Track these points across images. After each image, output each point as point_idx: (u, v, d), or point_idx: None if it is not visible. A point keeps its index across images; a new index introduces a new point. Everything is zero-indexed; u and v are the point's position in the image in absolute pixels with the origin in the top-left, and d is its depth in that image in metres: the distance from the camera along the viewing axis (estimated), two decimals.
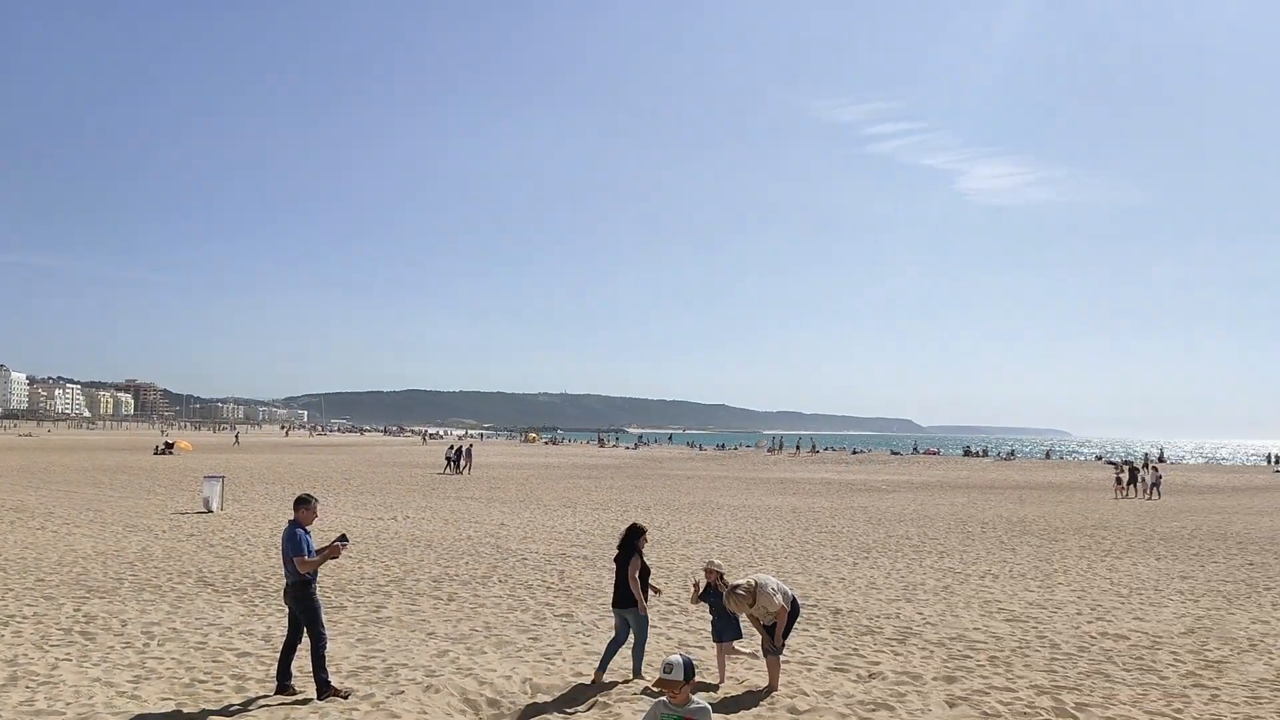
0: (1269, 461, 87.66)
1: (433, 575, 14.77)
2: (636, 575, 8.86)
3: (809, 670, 9.24)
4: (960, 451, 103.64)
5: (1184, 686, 8.85)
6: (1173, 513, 29.80)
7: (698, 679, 8.70)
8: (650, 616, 9.97)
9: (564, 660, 9.50)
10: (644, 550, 9.08)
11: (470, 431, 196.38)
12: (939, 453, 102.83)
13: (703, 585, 8.95)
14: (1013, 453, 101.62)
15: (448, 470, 46.54)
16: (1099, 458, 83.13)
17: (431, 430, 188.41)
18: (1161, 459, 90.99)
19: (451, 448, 50.59)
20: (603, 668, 8.76)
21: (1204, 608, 13.06)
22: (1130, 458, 67.19)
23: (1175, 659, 9.98)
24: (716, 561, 9.20)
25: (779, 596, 8.43)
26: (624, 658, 8.98)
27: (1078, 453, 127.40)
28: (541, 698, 8.18)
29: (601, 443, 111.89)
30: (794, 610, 8.58)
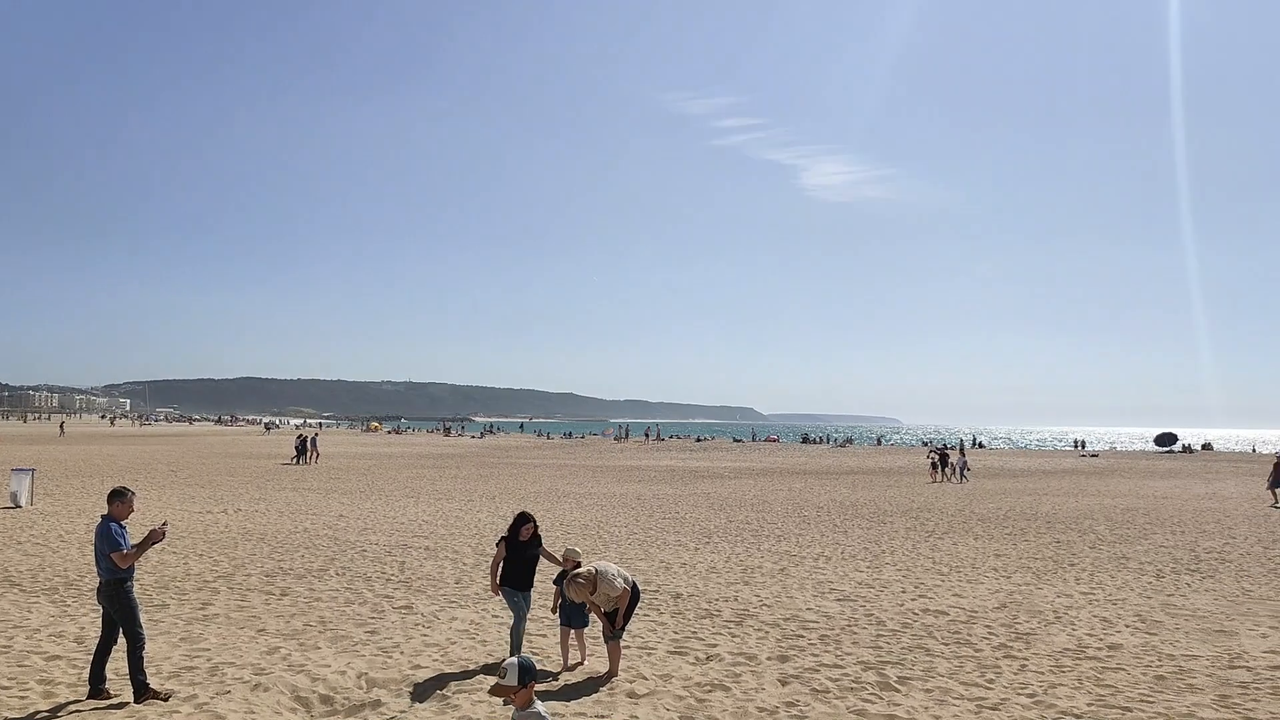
0: (1075, 447, 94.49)
1: (265, 570, 14.21)
2: (498, 562, 9.12)
3: (649, 654, 9.38)
4: (799, 439, 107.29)
5: (996, 658, 9.44)
6: (989, 495, 31.70)
7: (540, 666, 8.74)
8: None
9: (402, 653, 9.32)
10: (530, 540, 9.12)
11: (308, 421, 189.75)
12: (779, 440, 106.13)
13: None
14: (849, 440, 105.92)
15: (296, 461, 45.08)
16: (925, 444, 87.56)
17: (266, 420, 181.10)
18: (977, 445, 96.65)
19: (300, 438, 48.84)
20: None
21: (1015, 583, 13.96)
22: (943, 444, 71.12)
23: (989, 632, 10.62)
24: (575, 550, 9.26)
25: (619, 581, 8.52)
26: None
27: (906, 440, 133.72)
28: (378, 692, 8.00)
29: (447, 432, 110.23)
30: (635, 596, 8.70)
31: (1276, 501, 28.65)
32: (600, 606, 8.53)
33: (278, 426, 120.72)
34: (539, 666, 8.77)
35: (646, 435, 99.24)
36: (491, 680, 8.05)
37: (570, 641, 8.94)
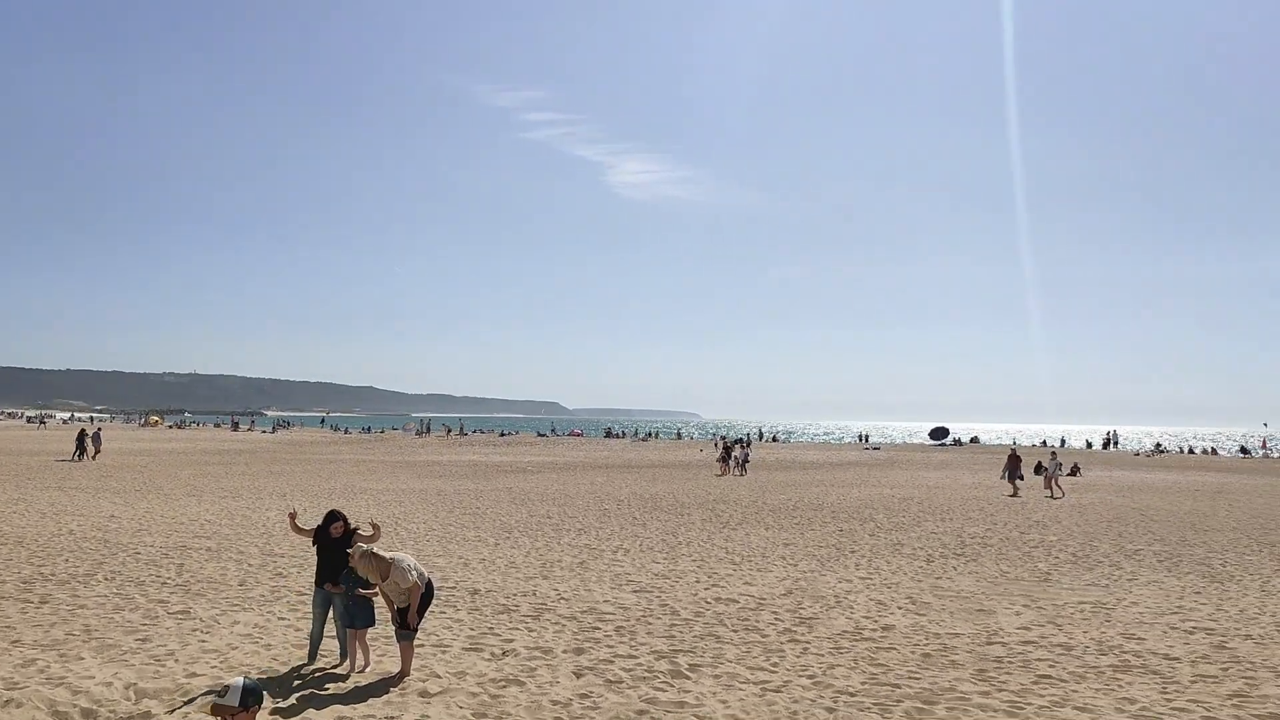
0: (859, 440, 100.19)
1: (22, 576, 13.04)
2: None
3: (443, 652, 9.24)
4: (602, 433, 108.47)
5: (781, 642, 9.88)
6: (780, 487, 33.13)
7: (329, 669, 8.44)
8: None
9: (177, 661, 8.77)
10: (341, 538, 8.80)
11: (77, 415, 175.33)
12: (583, 434, 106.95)
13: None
14: (651, 434, 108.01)
15: (75, 458, 41.70)
16: (723, 437, 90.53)
17: (32, 413, 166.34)
18: (773, 439, 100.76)
19: (81, 432, 45.09)
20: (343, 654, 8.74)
21: (801, 571, 14.65)
22: (725, 436, 73.80)
23: (776, 618, 11.10)
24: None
25: (413, 574, 8.34)
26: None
27: (704, 433, 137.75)
28: (148, 703, 7.49)
29: (235, 426, 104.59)
30: (428, 592, 8.53)
31: (1015, 491, 31.13)
32: (390, 598, 8.31)
33: (42, 424, 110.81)
34: (325, 668, 8.48)
35: (448, 430, 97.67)
36: (215, 696, 7.73)
37: (355, 643, 8.67)
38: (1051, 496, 30.31)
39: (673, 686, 8.19)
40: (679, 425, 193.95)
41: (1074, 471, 45.94)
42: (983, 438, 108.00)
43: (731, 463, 41.50)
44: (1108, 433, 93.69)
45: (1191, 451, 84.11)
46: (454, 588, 12.69)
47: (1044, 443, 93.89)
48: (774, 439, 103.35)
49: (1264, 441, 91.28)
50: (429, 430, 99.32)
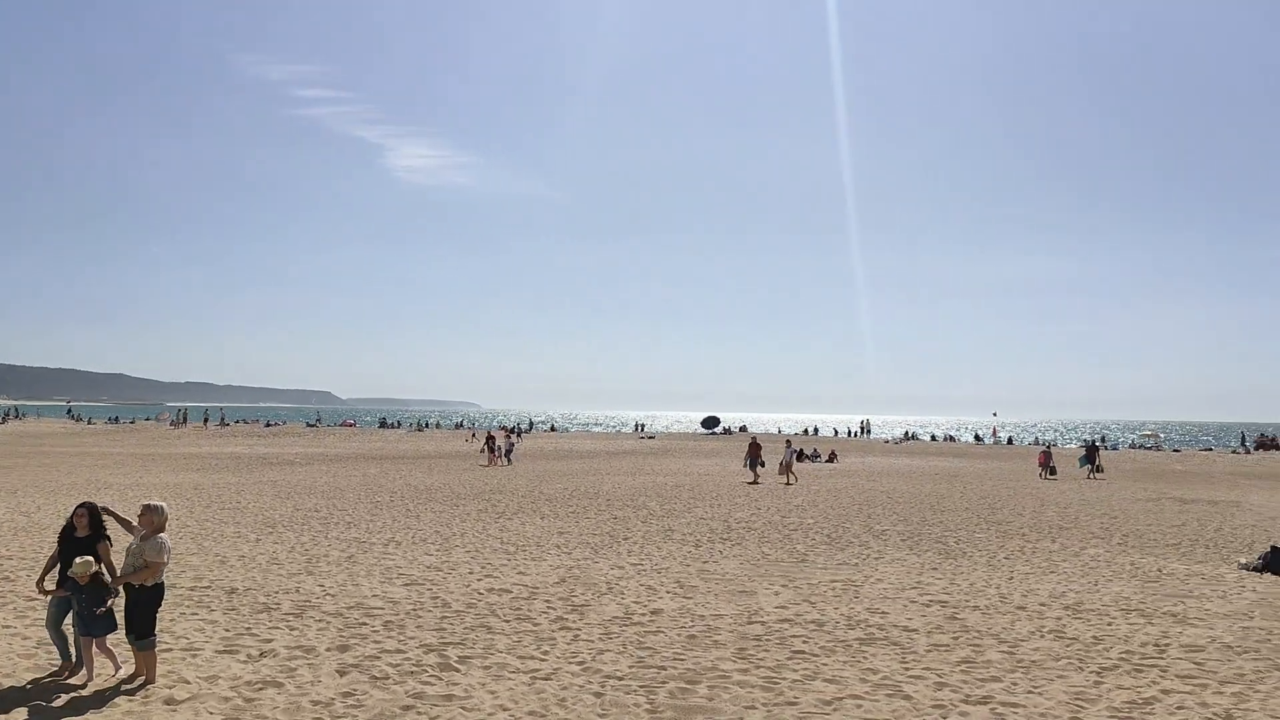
0: (635, 429, 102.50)
1: None
2: (52, 560, 8.15)
3: (194, 656, 8.68)
4: (377, 423, 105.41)
5: (553, 630, 9.95)
6: (558, 476, 33.37)
7: (63, 680, 7.73)
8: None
9: None
10: (89, 535, 7.99)
11: None
12: (355, 425, 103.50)
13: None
14: (428, 424, 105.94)
15: None
16: (503, 428, 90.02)
17: None
18: (550, 428, 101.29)
19: None
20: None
21: (575, 559, 14.81)
22: (488, 427, 73.51)
23: (548, 606, 11.17)
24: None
25: (167, 556, 7.83)
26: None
27: (484, 423, 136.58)
28: None
29: None
30: (157, 591, 7.92)
31: (755, 479, 31.99)
32: (118, 572, 7.83)
33: None
34: (60, 679, 7.79)
35: (207, 420, 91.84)
36: None
37: (95, 651, 7.96)
38: (787, 483, 31.24)
39: (441, 680, 8.07)
40: (459, 415, 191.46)
41: (831, 458, 48.95)
42: (752, 426, 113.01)
43: (497, 452, 41.07)
44: (861, 421, 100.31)
45: (934, 439, 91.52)
46: (208, 587, 11.97)
47: (806, 430, 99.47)
48: (551, 428, 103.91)
49: (994, 430, 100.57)
50: (186, 420, 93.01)
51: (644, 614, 10.83)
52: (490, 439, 43.17)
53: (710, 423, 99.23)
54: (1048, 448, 46.68)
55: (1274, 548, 14.97)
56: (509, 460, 40.70)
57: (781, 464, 32.88)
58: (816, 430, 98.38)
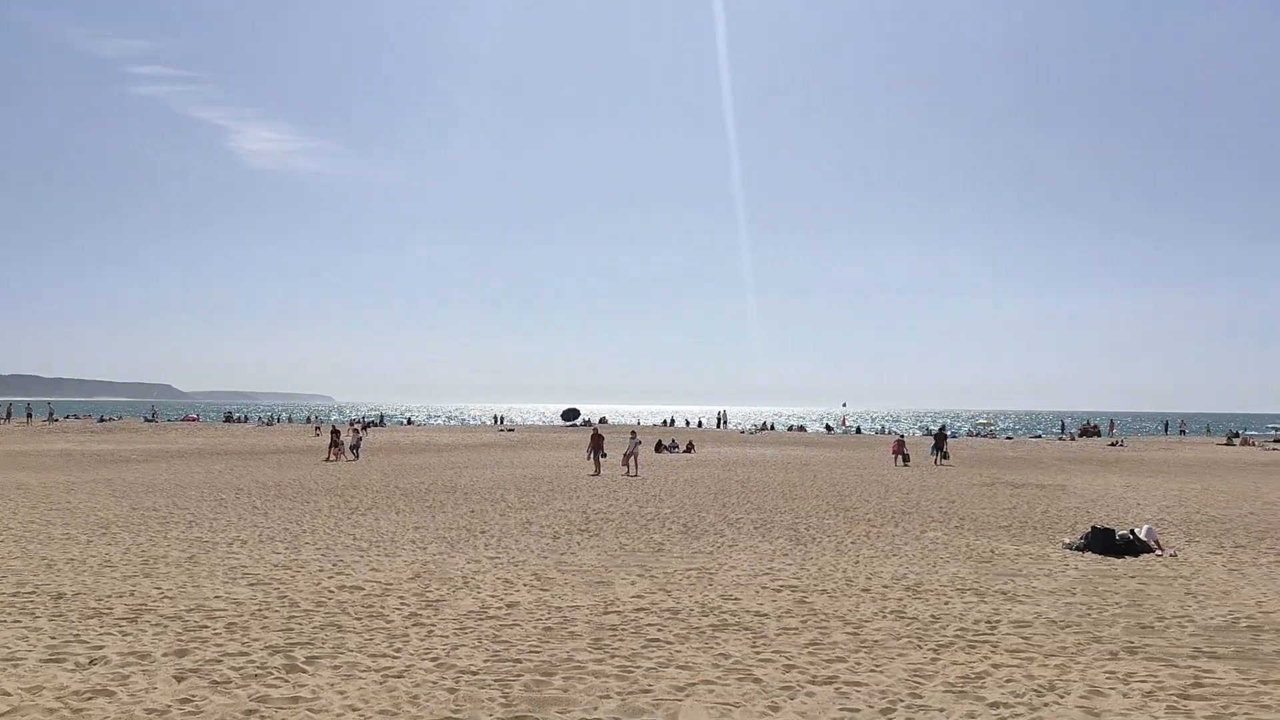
0: (495, 422, 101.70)
1: None
2: None
3: (15, 666, 8.12)
4: (222, 418, 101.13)
5: (406, 627, 9.77)
6: (415, 470, 32.78)
7: None
8: None
9: None
10: None
11: None
12: (199, 419, 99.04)
13: None
14: (278, 418, 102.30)
15: None
16: (352, 422, 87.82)
17: None
18: (407, 421, 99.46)
19: None
20: None
21: (431, 554, 14.59)
22: (338, 420, 71.68)
23: (402, 602, 10.96)
24: None
25: None
26: None
27: (342, 417, 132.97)
28: None
29: None
30: None
31: (597, 470, 31.52)
32: None
33: None
34: None
35: (30, 415, 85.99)
36: None
37: None
38: (628, 474, 31.02)
39: (288, 682, 7.81)
40: (311, 409, 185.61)
41: (689, 449, 49.77)
42: (612, 418, 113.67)
43: (341, 447, 39.53)
44: (719, 412, 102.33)
45: (790, 429, 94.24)
46: (32, 592, 11.22)
47: (665, 421, 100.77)
48: (408, 421, 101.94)
49: (844, 419, 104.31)
50: (9, 416, 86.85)
51: (500, 607, 10.76)
52: (334, 433, 41.60)
53: (570, 415, 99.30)
54: (902, 437, 48.78)
55: (1094, 528, 16.05)
56: (355, 455, 39.53)
57: (625, 455, 32.57)
58: (673, 421, 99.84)
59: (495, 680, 7.87)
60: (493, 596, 11.37)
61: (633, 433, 36.83)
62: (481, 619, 10.18)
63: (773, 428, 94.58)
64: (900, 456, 39.83)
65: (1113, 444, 65.56)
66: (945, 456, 41.16)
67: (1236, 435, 74.74)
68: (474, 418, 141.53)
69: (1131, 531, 15.92)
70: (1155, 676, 8.16)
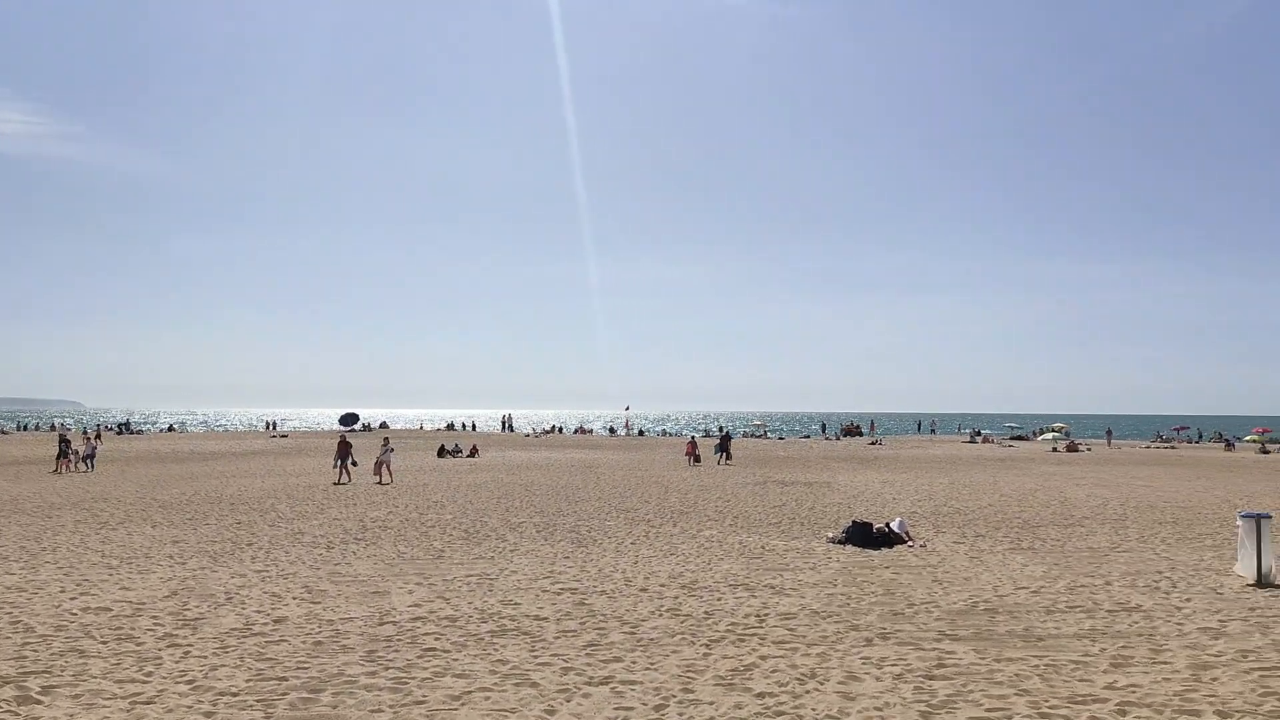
0: (269, 428, 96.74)
1: None
2: None
3: None
4: None
5: (159, 649, 9.09)
6: (176, 480, 30.66)
7: None
8: None
9: None
10: None
11: None
12: None
13: None
14: (21, 426, 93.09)
15: None
16: (87, 430, 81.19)
17: None
18: (169, 429, 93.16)
19: None
20: None
21: (190, 569, 13.66)
22: (61, 427, 66.40)
23: (155, 622, 10.20)
24: None
25: None
26: None
27: (74, 424, 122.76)
28: None
29: None
30: None
31: (339, 479, 29.59)
32: None
33: None
34: None
35: None
36: None
37: None
38: (379, 482, 29.46)
39: (19, 714, 7.09)
40: (56, 415, 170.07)
41: (473, 453, 49.23)
42: (395, 423, 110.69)
43: (72, 457, 35.83)
44: (504, 416, 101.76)
45: (576, 431, 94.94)
46: None
47: (449, 425, 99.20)
48: (170, 428, 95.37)
49: (627, 422, 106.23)
50: None
51: (266, 623, 10.22)
52: (64, 442, 37.20)
53: (349, 419, 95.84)
54: (693, 438, 50.46)
55: (854, 522, 17.11)
56: (90, 466, 36.16)
57: (376, 462, 30.92)
58: (453, 425, 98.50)
59: (258, 701, 7.46)
60: (258, 612, 10.79)
61: (385, 439, 34.35)
62: (245, 636, 9.63)
63: (560, 430, 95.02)
64: (692, 457, 42.00)
65: (873, 443, 70.21)
66: (729, 457, 43.13)
67: (978, 433, 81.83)
68: (245, 423, 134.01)
69: (887, 525, 17.11)
70: (905, 660, 8.79)
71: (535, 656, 8.87)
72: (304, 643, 9.37)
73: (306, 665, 8.52)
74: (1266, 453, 61.22)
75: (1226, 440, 76.99)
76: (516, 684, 7.96)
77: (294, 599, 11.55)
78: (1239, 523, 13.44)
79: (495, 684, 7.96)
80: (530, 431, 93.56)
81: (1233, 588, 12.55)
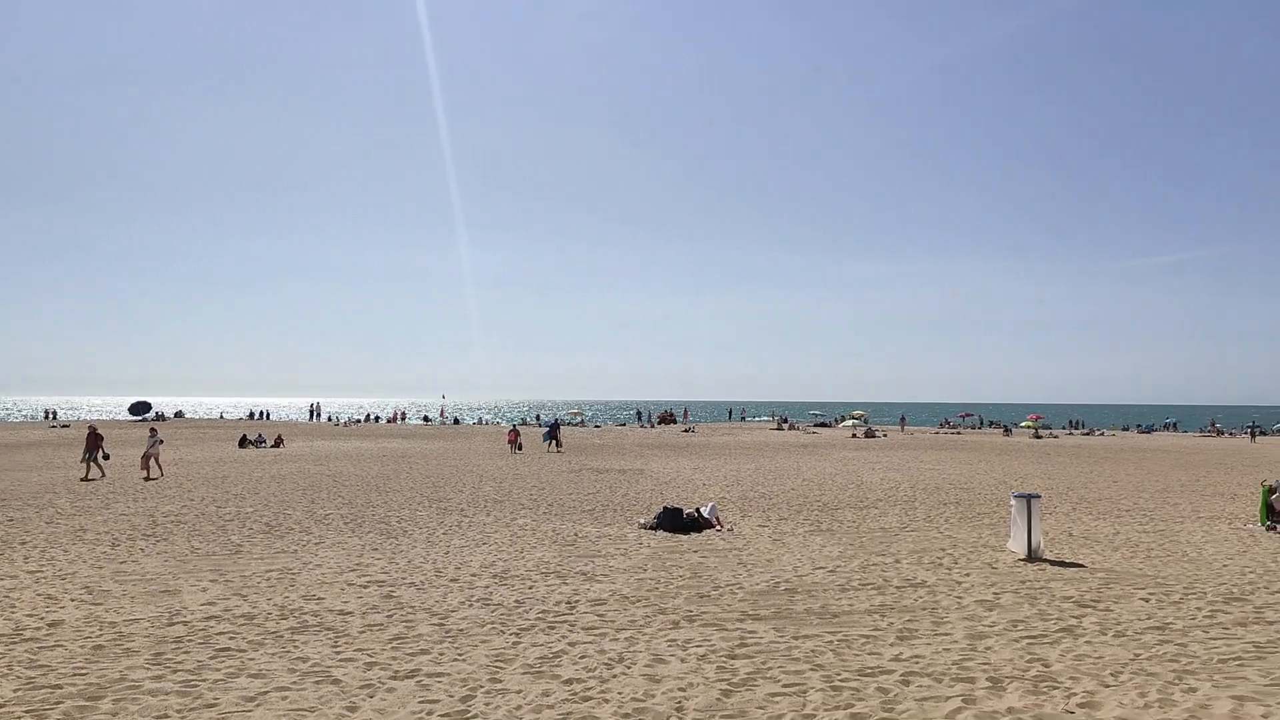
0: (47, 417, 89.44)
1: None
2: None
3: None
4: None
5: None
6: None
7: None
8: None
9: None
10: None
11: None
12: None
13: None
14: None
15: None
16: None
17: None
18: None
19: None
20: None
21: None
22: None
23: None
24: None
25: None
26: None
27: None
28: None
29: None
30: None
31: (87, 474, 27.17)
32: None
33: None
34: None
35: None
36: None
37: None
38: (147, 477, 26.90)
39: None
40: None
41: (278, 443, 47.19)
42: (192, 411, 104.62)
43: None
44: (312, 405, 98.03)
45: (391, 420, 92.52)
46: None
47: (251, 414, 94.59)
48: None
49: (442, 410, 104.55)
50: None
51: (39, 628, 9.45)
52: None
53: (139, 408, 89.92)
54: (515, 426, 50.44)
55: (665, 508, 17.47)
56: None
57: (143, 456, 28.07)
58: (254, 414, 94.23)
59: (27, 712, 6.91)
60: (30, 616, 9.96)
61: (152, 430, 31.29)
62: (14, 643, 8.87)
63: (378, 419, 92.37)
64: (515, 445, 42.65)
65: (686, 430, 71.91)
66: (559, 444, 43.84)
67: (785, 420, 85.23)
68: (25, 413, 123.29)
69: (697, 510, 17.57)
70: (709, 640, 9.06)
71: (338, 652, 8.61)
72: (82, 647, 8.72)
73: (85, 671, 7.94)
74: (1039, 438, 66.68)
75: (1004, 426, 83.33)
76: (317, 682, 7.69)
77: (72, 601, 10.73)
78: (1012, 502, 14.58)
79: (294, 683, 7.67)
80: (338, 420, 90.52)
81: (1006, 562, 13.62)
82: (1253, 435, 73.15)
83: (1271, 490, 17.84)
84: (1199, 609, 10.59)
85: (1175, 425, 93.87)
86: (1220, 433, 79.40)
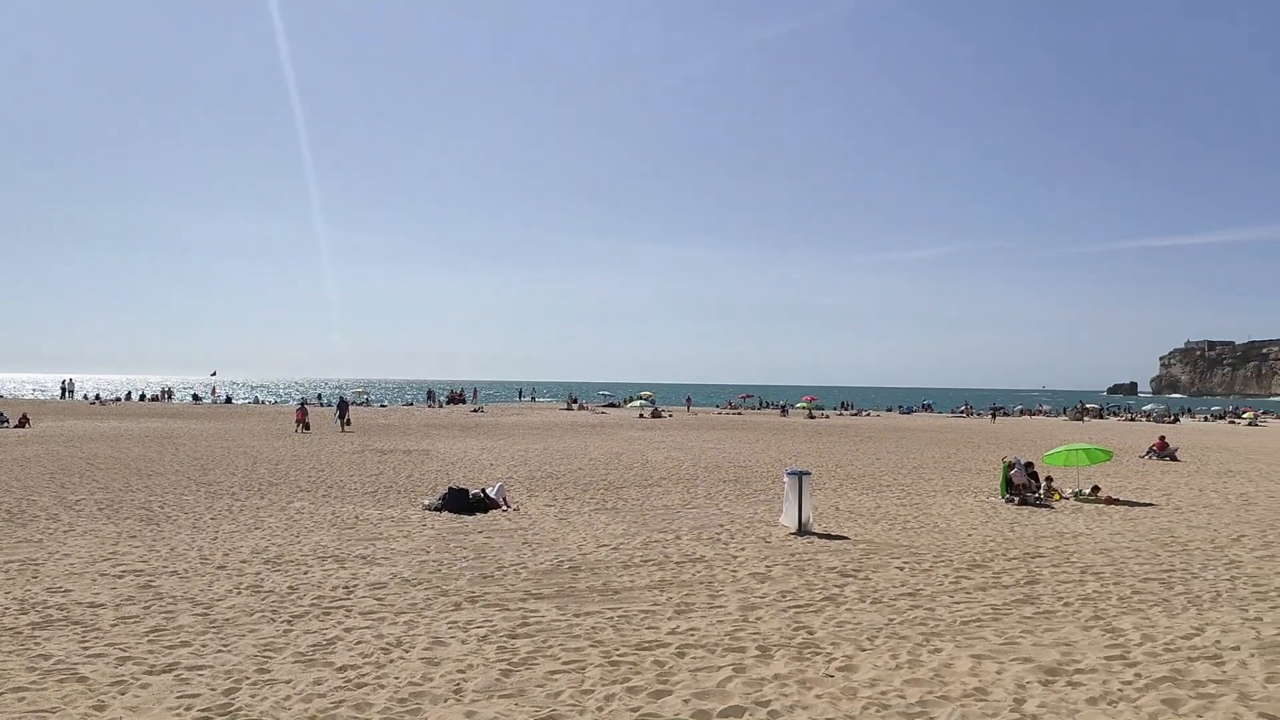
0: None
1: None
2: None
3: None
4: None
5: None
6: None
7: None
8: None
9: None
10: None
11: None
12: None
13: None
14: None
15: None
16: None
17: None
18: None
19: None
20: None
21: None
22: None
23: None
24: None
25: None
26: None
27: None
28: None
29: None
30: None
31: None
32: None
33: None
34: None
35: None
36: None
37: None
38: None
39: None
40: None
41: (23, 423, 43.13)
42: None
43: None
44: (64, 381, 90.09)
45: (156, 399, 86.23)
46: None
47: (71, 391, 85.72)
48: None
49: (214, 389, 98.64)
50: None
51: None
52: None
53: None
54: (304, 404, 48.60)
55: (450, 488, 17.25)
56: None
57: None
58: None
59: None
60: None
61: None
62: None
63: (144, 397, 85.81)
64: (301, 425, 41.48)
65: (475, 410, 71.14)
66: (348, 423, 43.76)
67: (575, 400, 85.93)
68: None
69: (483, 490, 17.43)
70: (491, 621, 9.03)
71: (86, 648, 7.97)
72: None
73: None
74: (813, 418, 70.40)
75: (781, 407, 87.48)
76: (60, 680, 7.10)
77: None
78: (785, 479, 15.34)
79: (33, 682, 7.04)
80: (99, 398, 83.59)
81: (778, 536, 14.32)
82: (994, 416, 79.98)
83: (1010, 466, 19.66)
84: (946, 575, 11.53)
85: (931, 406, 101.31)
86: (970, 414, 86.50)
